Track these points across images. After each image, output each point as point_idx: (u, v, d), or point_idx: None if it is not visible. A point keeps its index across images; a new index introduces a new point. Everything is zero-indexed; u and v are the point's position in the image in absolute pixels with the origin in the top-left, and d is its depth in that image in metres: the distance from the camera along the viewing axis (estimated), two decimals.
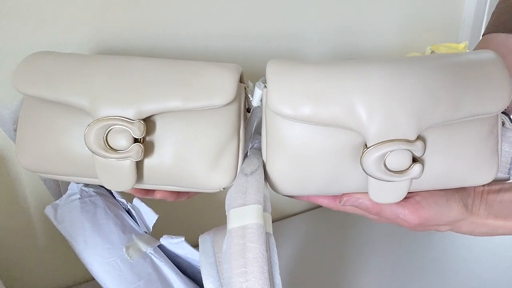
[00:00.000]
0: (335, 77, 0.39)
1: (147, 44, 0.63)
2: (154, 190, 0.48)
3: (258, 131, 0.48)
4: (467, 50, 0.80)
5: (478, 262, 0.76)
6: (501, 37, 0.59)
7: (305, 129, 0.41)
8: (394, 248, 0.80)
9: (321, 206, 0.91)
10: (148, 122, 0.43)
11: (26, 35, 0.55)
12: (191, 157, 0.44)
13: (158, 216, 0.58)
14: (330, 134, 0.41)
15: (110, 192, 0.61)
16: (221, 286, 0.41)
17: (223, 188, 0.46)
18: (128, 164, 0.42)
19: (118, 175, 0.43)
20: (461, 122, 0.41)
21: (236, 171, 0.45)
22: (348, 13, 0.76)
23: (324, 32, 0.76)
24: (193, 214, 0.79)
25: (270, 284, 0.36)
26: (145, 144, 0.43)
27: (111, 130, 0.41)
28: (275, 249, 0.38)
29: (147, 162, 0.44)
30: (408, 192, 0.43)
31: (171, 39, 0.64)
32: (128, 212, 0.60)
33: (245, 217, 0.39)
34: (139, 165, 0.43)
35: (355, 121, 0.38)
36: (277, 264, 0.38)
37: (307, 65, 0.41)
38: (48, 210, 0.57)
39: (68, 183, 0.59)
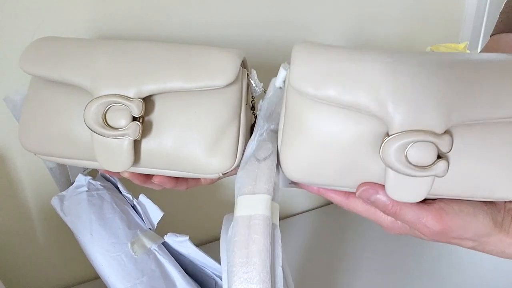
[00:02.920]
0: (363, 59, 0.37)
1: (146, 34, 0.63)
2: (152, 177, 0.48)
3: (278, 111, 0.46)
4: (467, 50, 0.80)
5: (478, 263, 0.75)
6: (511, 37, 0.58)
7: (326, 111, 0.39)
8: (396, 248, 0.79)
9: (324, 206, 0.91)
10: (148, 102, 0.43)
11: (30, 24, 0.56)
12: (190, 139, 0.43)
13: (163, 213, 0.58)
14: (352, 119, 0.38)
15: (116, 187, 0.62)
16: None
17: (222, 174, 0.45)
18: (126, 144, 0.42)
19: (115, 155, 0.43)
20: (499, 123, 0.37)
21: (236, 156, 0.45)
22: (348, 11, 0.76)
23: (327, 26, 0.75)
24: (197, 213, 0.79)
25: (271, 277, 0.35)
26: (144, 124, 0.43)
27: (110, 108, 0.42)
28: (280, 241, 0.38)
29: (145, 143, 0.44)
30: (431, 199, 0.41)
31: (171, 29, 0.64)
32: (133, 207, 0.61)
33: (253, 207, 0.38)
34: (137, 146, 0.43)
35: (379, 107, 0.36)
36: (280, 257, 0.37)
37: (333, 47, 0.39)
38: (55, 201, 0.58)
39: (74, 174, 0.59)
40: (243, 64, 0.47)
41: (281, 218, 0.86)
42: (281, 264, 0.37)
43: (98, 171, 0.63)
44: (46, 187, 0.64)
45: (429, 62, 0.37)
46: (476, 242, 0.41)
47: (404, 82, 0.36)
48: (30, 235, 0.67)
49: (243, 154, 0.45)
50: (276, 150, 0.43)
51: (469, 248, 0.42)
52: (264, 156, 0.42)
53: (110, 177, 0.62)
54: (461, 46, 0.80)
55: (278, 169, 0.43)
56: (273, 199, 0.39)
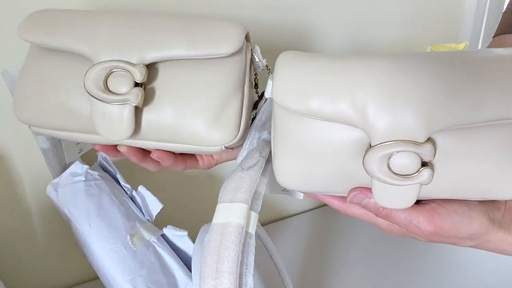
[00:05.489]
0: (342, 71, 0.37)
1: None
2: (150, 153, 0.47)
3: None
4: None
5: (479, 264, 0.75)
6: None
7: (311, 123, 0.39)
8: (393, 249, 0.80)
9: (320, 207, 0.92)
10: (151, 70, 0.42)
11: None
12: (192, 110, 0.42)
13: (163, 205, 0.57)
14: (337, 130, 0.38)
15: (113, 177, 0.61)
16: None
17: (225, 147, 0.44)
18: (126, 111, 0.41)
19: (115, 123, 0.41)
20: (483, 126, 0.36)
21: (239, 129, 0.43)
22: (347, 12, 0.76)
23: (328, 20, 0.75)
24: (196, 206, 0.78)
25: (240, 285, 0.36)
26: (146, 92, 0.42)
27: (112, 74, 0.41)
28: (253, 250, 0.37)
29: (146, 113, 0.42)
30: (425, 199, 0.41)
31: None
32: (131, 198, 0.60)
33: (229, 214, 0.38)
34: (137, 116, 0.42)
35: (359, 119, 0.36)
36: (252, 266, 0.37)
37: (316, 58, 0.39)
38: (50, 190, 0.57)
39: (69, 155, 0.58)
40: (247, 38, 0.46)
41: (277, 220, 0.89)
42: (252, 273, 0.37)
43: (95, 160, 0.63)
44: (46, 187, 0.63)
45: (410, 68, 0.36)
46: (476, 241, 0.41)
47: (384, 92, 0.35)
48: (30, 235, 0.68)
49: (246, 128, 0.45)
50: (263, 159, 0.43)
51: (469, 247, 0.42)
52: (249, 165, 0.42)
53: (108, 167, 0.61)
54: (461, 46, 0.79)
55: (265, 178, 0.44)
56: (251, 209, 0.39)
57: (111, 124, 0.41)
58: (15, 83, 0.51)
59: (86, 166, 0.58)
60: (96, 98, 0.40)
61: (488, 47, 0.59)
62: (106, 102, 0.40)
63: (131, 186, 0.59)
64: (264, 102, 0.47)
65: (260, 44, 0.47)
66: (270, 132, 0.45)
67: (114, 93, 0.40)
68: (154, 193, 0.58)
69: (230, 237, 0.36)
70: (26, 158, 0.62)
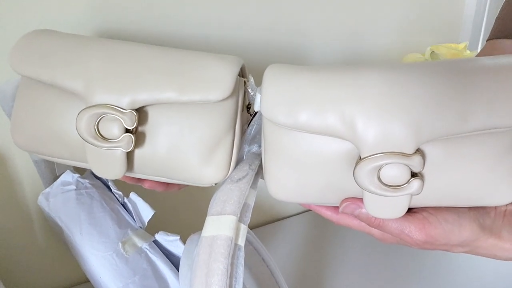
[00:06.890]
0: (330, 83, 0.37)
1: (146, 29, 0.62)
2: (144, 179, 0.47)
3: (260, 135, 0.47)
4: (467, 51, 0.81)
5: (477, 265, 0.75)
6: (508, 44, 0.56)
7: (301, 136, 0.39)
8: (390, 251, 0.79)
9: None
10: (142, 112, 0.42)
11: (27, 12, 0.56)
12: (184, 150, 0.43)
13: (154, 212, 0.57)
14: (327, 142, 0.39)
15: (106, 184, 0.61)
16: None
17: (215, 184, 0.45)
18: (118, 153, 0.41)
19: (108, 163, 0.42)
20: (471, 136, 0.36)
21: (229, 167, 0.44)
22: (349, 13, 0.76)
23: (327, 29, 0.75)
24: (189, 212, 0.78)
25: None
26: (137, 135, 0.42)
27: (103, 118, 0.41)
28: (242, 262, 0.38)
29: (138, 152, 0.43)
30: (415, 208, 0.41)
31: (172, 26, 0.63)
32: (123, 205, 0.60)
33: (219, 227, 0.39)
34: (130, 154, 0.42)
35: (348, 131, 0.36)
36: (242, 278, 0.37)
37: (303, 71, 0.39)
38: (41, 200, 0.58)
39: (60, 168, 0.58)
40: (241, 72, 0.45)
41: (272, 221, 0.89)
42: (241, 285, 0.37)
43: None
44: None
45: (397, 80, 0.36)
46: (467, 248, 0.41)
47: (372, 104, 0.36)
48: (30, 235, 0.68)
49: (236, 164, 0.45)
50: (252, 172, 0.44)
51: (461, 253, 0.42)
52: (239, 177, 0.43)
53: None
54: (461, 46, 0.79)
55: (254, 191, 0.44)
56: (240, 221, 0.40)
57: (104, 164, 0.42)
58: (6, 99, 0.51)
59: (77, 175, 0.59)
60: (88, 143, 0.41)
61: (481, 50, 0.59)
62: (98, 148, 0.41)
63: (122, 193, 0.59)
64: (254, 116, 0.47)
65: (256, 62, 0.47)
66: (260, 146, 0.46)
67: (105, 139, 0.41)
68: (147, 198, 0.58)
69: (219, 249, 0.36)
70: (26, 158, 0.62)
